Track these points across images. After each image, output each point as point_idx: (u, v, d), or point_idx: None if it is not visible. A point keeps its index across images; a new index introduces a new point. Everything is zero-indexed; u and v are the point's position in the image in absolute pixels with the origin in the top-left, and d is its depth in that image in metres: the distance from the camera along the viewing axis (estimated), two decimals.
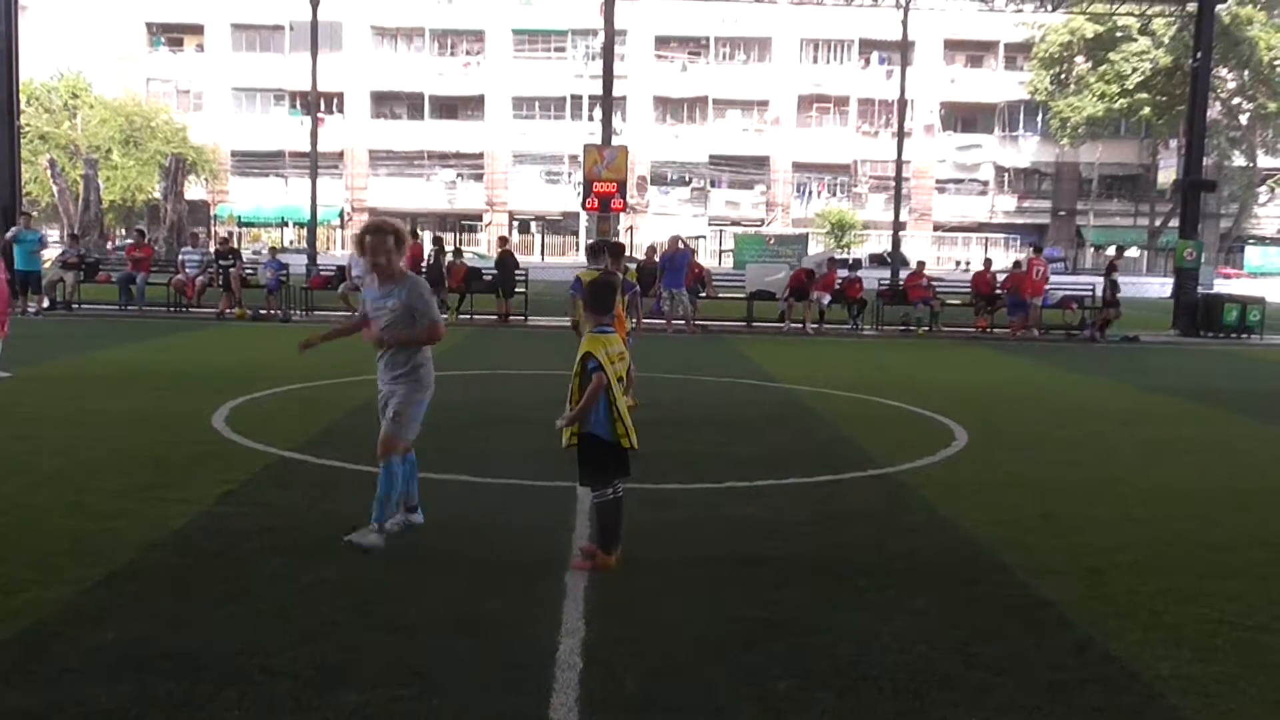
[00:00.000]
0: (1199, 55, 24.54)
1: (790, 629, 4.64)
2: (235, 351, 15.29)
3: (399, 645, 4.32)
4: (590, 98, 56.12)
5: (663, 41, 63.99)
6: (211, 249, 27.49)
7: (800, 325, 21.12)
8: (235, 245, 30.48)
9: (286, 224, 62.43)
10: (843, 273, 23.23)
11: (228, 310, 20.78)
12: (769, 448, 9.04)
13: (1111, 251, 35.09)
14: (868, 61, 63.93)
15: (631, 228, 56.49)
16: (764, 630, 4.61)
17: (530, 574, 5.29)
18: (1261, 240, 58.81)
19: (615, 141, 27.49)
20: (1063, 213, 65.25)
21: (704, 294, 22.12)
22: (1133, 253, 63.94)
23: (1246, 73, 55.99)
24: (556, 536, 5.92)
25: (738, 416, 10.64)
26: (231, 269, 21.33)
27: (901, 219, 38.15)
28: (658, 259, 21.79)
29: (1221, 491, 7.68)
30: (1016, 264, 22.01)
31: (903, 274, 27.50)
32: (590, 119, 55.35)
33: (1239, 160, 59.16)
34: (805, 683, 4.07)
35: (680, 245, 21.55)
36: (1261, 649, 4.54)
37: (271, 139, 62.32)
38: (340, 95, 62.18)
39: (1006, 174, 66.33)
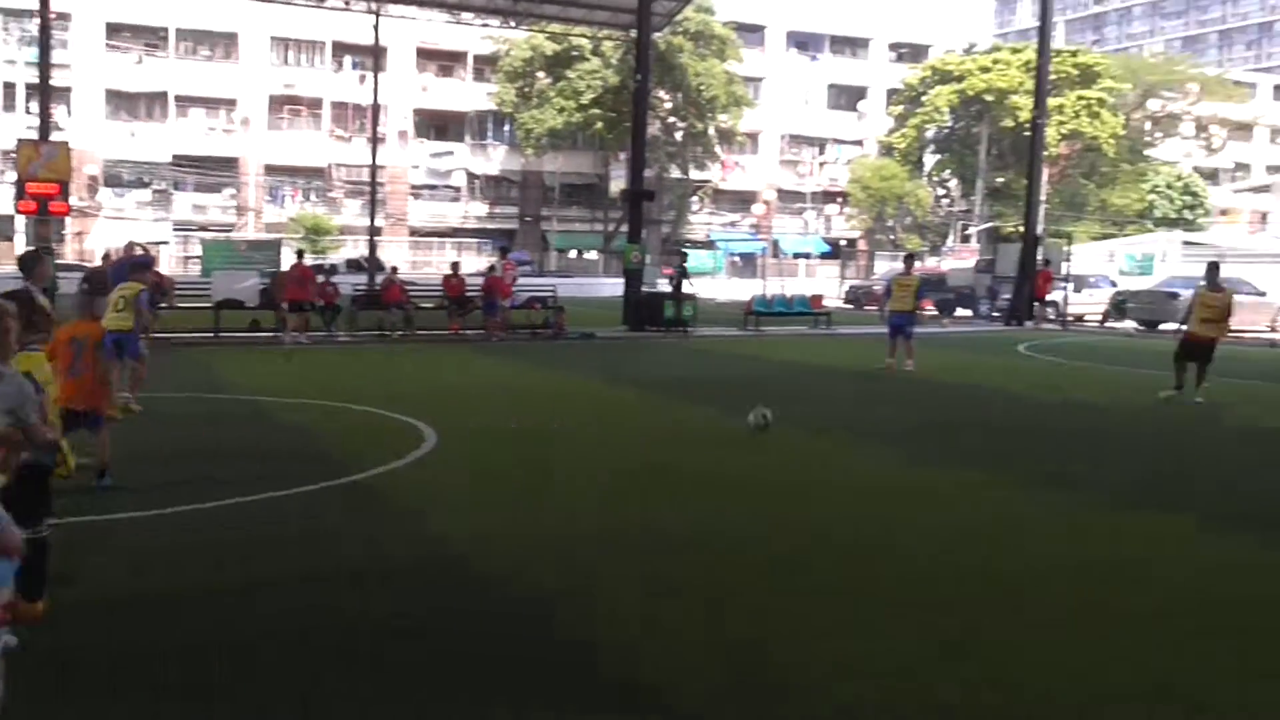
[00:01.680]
0: (639, 77, 27.15)
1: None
2: None
3: None
4: (27, 87, 49.92)
5: (116, 30, 58.55)
6: None
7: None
8: None
9: None
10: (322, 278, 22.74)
11: None
12: (241, 465, 8.62)
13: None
14: (340, 65, 63.15)
15: (81, 233, 51.12)
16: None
17: None
18: (694, 244, 66.28)
19: (57, 137, 24.72)
20: (529, 218, 68.97)
21: (163, 304, 20.56)
22: (590, 255, 69.25)
23: (680, 95, 62.77)
24: None
25: (201, 436, 10.05)
26: None
27: (377, 224, 38.19)
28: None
29: (673, 473, 8.57)
30: (490, 268, 22.90)
31: (378, 278, 27.53)
32: (28, 111, 49.21)
33: (676, 173, 66.20)
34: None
35: (138, 250, 19.85)
36: (721, 618, 5.13)
37: None
38: None
39: (478, 181, 68.78)
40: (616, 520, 6.88)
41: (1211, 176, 76.01)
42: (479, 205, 68.50)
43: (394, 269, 26.36)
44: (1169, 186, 66.30)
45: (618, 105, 58.59)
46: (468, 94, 66.56)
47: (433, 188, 67.19)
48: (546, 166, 67.24)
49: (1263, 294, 30.46)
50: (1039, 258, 31.77)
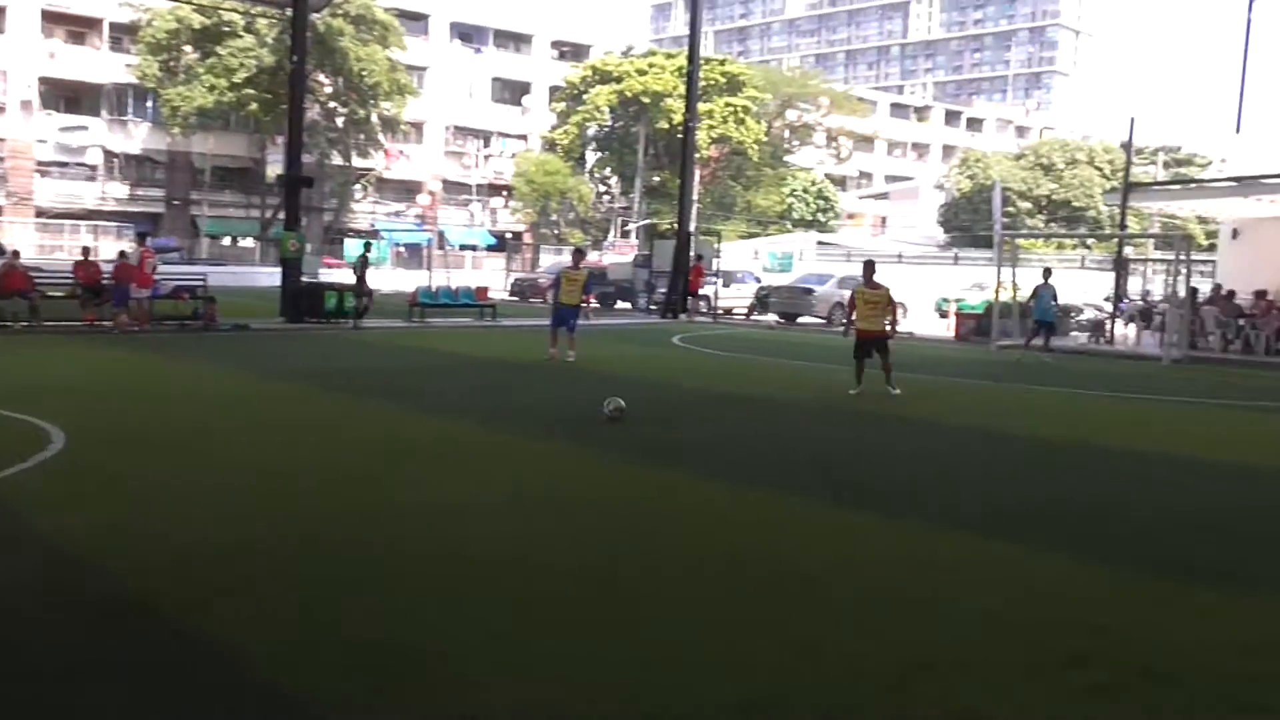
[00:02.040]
0: (295, 58, 26.05)
1: None
2: None
3: None
4: None
5: None
6: None
7: None
8: None
9: None
10: None
11: None
12: None
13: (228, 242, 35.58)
14: None
15: None
16: None
17: None
18: (358, 233, 64.62)
19: None
20: (177, 202, 64.46)
21: None
22: (247, 243, 65.75)
23: (341, 80, 60.84)
24: None
25: None
26: None
27: None
28: None
29: (319, 465, 8.33)
30: (121, 254, 21.17)
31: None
32: None
33: (337, 159, 64.12)
34: None
35: None
36: (344, 607, 5.04)
37: None
38: None
39: (117, 159, 63.45)
40: (261, 526, 6.63)
41: (840, 183, 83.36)
42: (119, 186, 63.19)
43: (15, 253, 23.82)
44: (805, 191, 72.05)
45: (274, 87, 55.95)
46: (104, 64, 61.17)
47: (63, 165, 61.26)
48: (196, 148, 63.09)
49: None
50: (692, 254, 33.60)
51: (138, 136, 63.74)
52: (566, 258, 33.74)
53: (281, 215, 29.37)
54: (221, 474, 7.94)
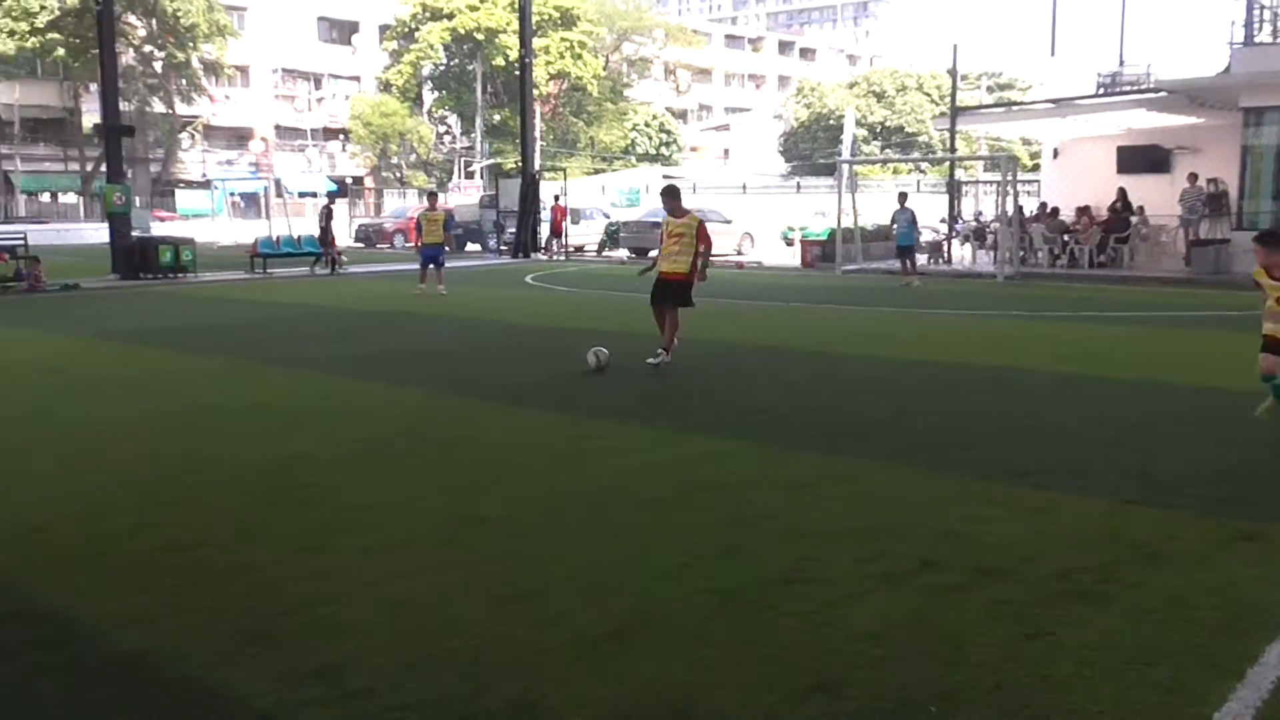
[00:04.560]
0: (99, 1, 24.50)
1: None
2: None
3: None
4: None
5: None
6: None
7: None
8: None
9: None
10: None
11: None
12: None
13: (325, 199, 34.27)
14: None
15: None
16: None
17: None
18: (189, 184, 61.79)
19: None
20: None
21: None
22: (69, 199, 62.13)
23: (154, 22, 57.62)
24: None
25: None
26: None
27: None
28: None
29: (159, 426, 8.05)
30: None
31: None
32: None
33: (160, 107, 60.94)
34: None
35: None
36: (198, 563, 4.94)
37: None
38: None
39: None
40: (110, 491, 6.40)
41: (682, 116, 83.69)
42: None
43: None
44: (647, 125, 72.10)
45: (80, 31, 52.70)
46: None
47: None
48: (1, 98, 58.95)
49: (729, 221, 34.30)
50: (555, 194, 33.49)
51: None
52: (412, 201, 33.04)
53: (104, 168, 27.83)
54: (62, 439, 7.60)
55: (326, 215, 26.36)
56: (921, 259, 28.36)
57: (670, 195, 11.18)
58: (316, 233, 26.51)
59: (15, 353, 12.41)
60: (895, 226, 22.98)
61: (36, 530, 5.47)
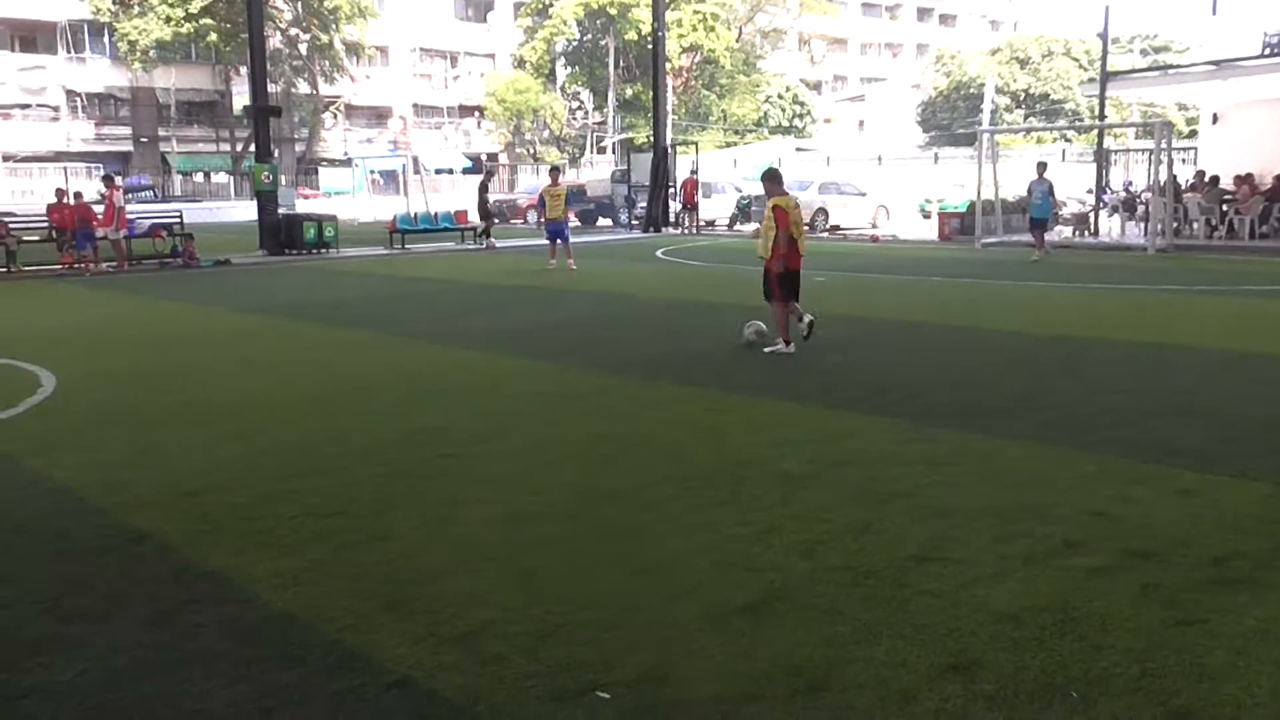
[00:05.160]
0: None
1: None
2: None
3: None
4: None
5: None
6: None
7: None
8: None
9: None
10: None
11: None
12: None
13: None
14: None
15: None
16: None
17: None
18: (331, 162, 63.75)
19: None
20: (145, 139, 63.43)
21: None
22: (220, 178, 64.87)
23: (299, 4, 59.50)
24: None
25: None
26: None
27: None
28: None
29: (302, 398, 8.35)
30: (78, 195, 20.71)
31: None
32: None
33: (304, 88, 62.98)
34: None
35: None
36: (339, 531, 5.11)
37: None
38: None
39: (79, 98, 62.22)
40: (261, 459, 6.67)
41: (816, 87, 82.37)
42: (84, 125, 62.08)
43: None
44: (780, 97, 71.15)
45: (231, 15, 54.81)
46: (56, 1, 59.56)
47: (26, 106, 60.04)
48: (159, 82, 61.86)
49: (863, 194, 33.65)
50: (690, 168, 33.43)
51: (98, 74, 62.42)
52: (545, 177, 33.48)
53: (253, 148, 28.94)
54: (213, 409, 7.95)
55: (484, 188, 27.14)
56: (1066, 231, 27.39)
57: (770, 179, 10.21)
58: (476, 205, 27.26)
59: (170, 326, 13.02)
60: (1032, 197, 22.01)
61: (189, 496, 5.73)
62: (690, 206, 32.83)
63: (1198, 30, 64.71)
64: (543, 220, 20.29)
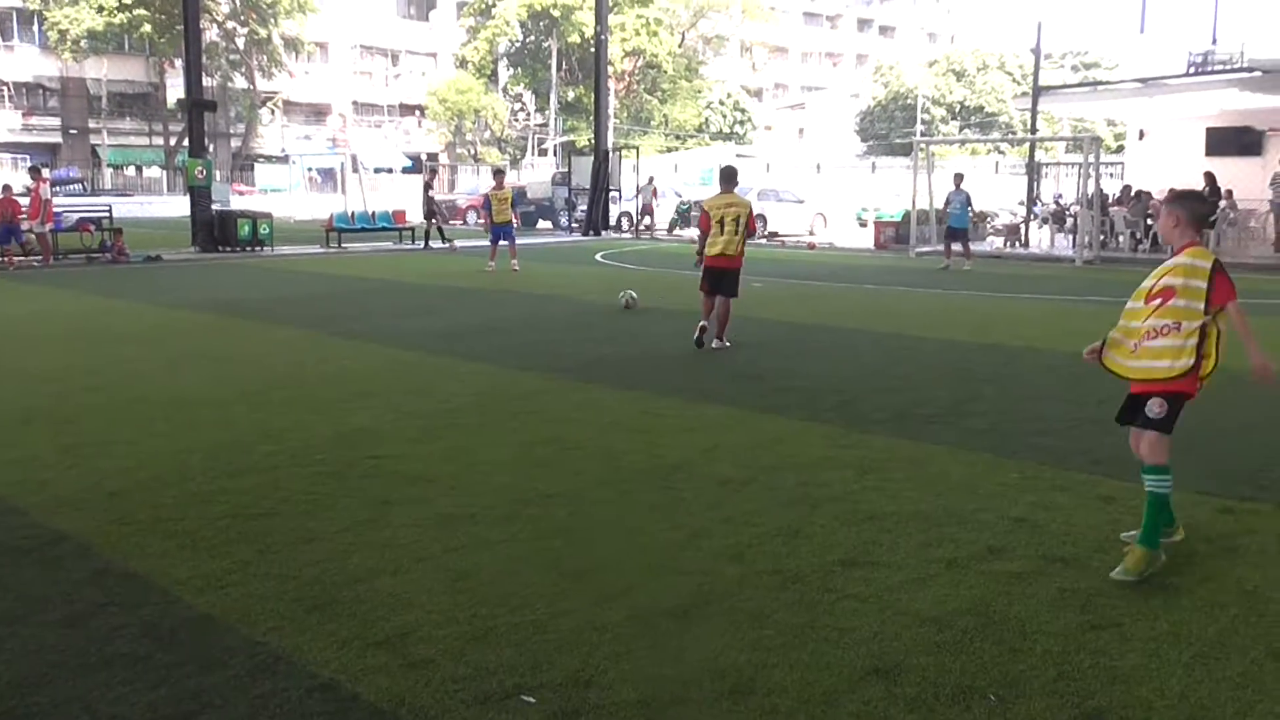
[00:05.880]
0: None
1: None
2: None
3: None
4: None
5: None
6: None
7: None
8: None
9: None
10: None
11: None
12: None
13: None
14: None
15: None
16: None
17: None
18: (269, 158, 62.82)
19: None
20: (75, 131, 61.99)
21: None
22: (153, 172, 63.62)
23: None
24: None
25: None
26: None
27: None
28: None
29: (233, 396, 8.22)
30: (6, 187, 20.22)
31: None
32: None
33: (241, 82, 62.02)
34: None
35: None
36: (267, 532, 5.04)
37: None
38: None
39: (6, 87, 60.65)
40: (187, 457, 6.56)
41: (757, 94, 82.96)
42: (11, 115, 60.52)
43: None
44: (721, 103, 71.58)
45: (165, 7, 53.82)
46: None
47: None
48: (90, 73, 60.51)
49: (801, 201, 34.00)
50: (648, 177, 34.14)
51: (26, 62, 60.91)
52: (486, 178, 33.38)
53: (186, 142, 28.45)
54: (141, 407, 7.80)
55: (428, 187, 26.96)
56: (997, 242, 27.90)
57: (723, 178, 11.07)
58: (421, 205, 27.01)
59: (99, 321, 12.75)
60: (949, 208, 22.16)
61: (113, 495, 5.62)
62: (648, 212, 33.33)
63: (1126, 48, 66.32)
64: (485, 222, 20.38)
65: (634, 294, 13.62)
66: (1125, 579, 4.43)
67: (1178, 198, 4.84)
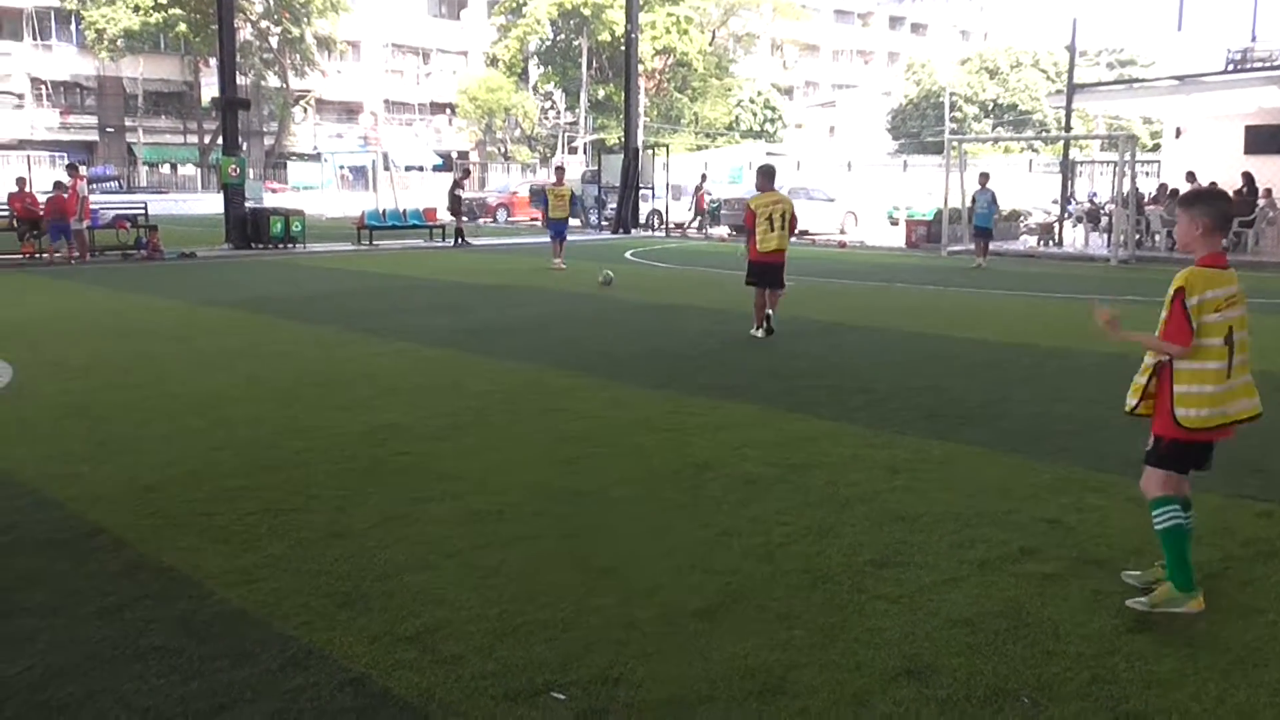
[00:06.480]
0: None
1: None
2: None
3: None
4: None
5: None
6: None
7: None
8: None
9: None
10: None
11: None
12: None
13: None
14: None
15: None
16: None
17: None
18: (301, 156, 63.26)
19: None
20: (111, 129, 62.69)
21: None
22: (187, 170, 64.24)
23: None
24: None
25: None
26: None
27: None
28: None
29: (265, 393, 8.28)
30: (58, 184, 20.51)
31: None
32: None
33: (274, 81, 62.49)
34: None
35: None
36: (298, 527, 5.07)
37: None
38: None
39: (44, 86, 61.41)
40: (219, 454, 6.61)
41: (787, 92, 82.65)
42: (48, 113, 61.25)
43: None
44: (751, 101, 71.36)
45: (201, 6, 54.30)
46: None
47: None
48: (126, 72, 61.18)
49: (831, 200, 33.84)
50: (700, 175, 34.46)
51: (64, 61, 61.64)
52: (515, 176, 33.47)
53: (220, 140, 28.68)
54: (174, 403, 7.87)
55: (453, 185, 26.98)
56: (1031, 240, 27.66)
57: (760, 174, 11.82)
58: (447, 203, 26.94)
59: (133, 319, 12.88)
60: (975, 207, 22.14)
61: (147, 490, 5.67)
62: (701, 213, 33.53)
63: (1163, 45, 65.54)
64: (545, 219, 20.53)
65: (610, 272, 16.12)
66: (1136, 607, 4.05)
67: (1198, 198, 4.11)
